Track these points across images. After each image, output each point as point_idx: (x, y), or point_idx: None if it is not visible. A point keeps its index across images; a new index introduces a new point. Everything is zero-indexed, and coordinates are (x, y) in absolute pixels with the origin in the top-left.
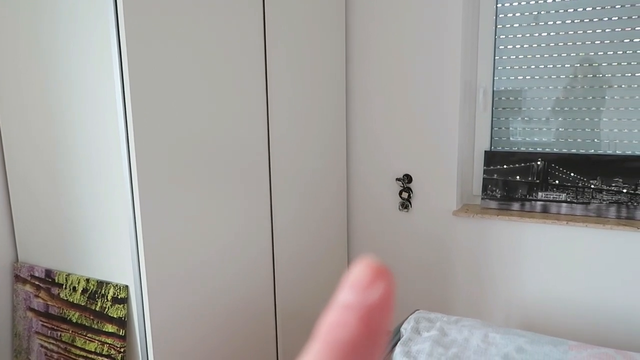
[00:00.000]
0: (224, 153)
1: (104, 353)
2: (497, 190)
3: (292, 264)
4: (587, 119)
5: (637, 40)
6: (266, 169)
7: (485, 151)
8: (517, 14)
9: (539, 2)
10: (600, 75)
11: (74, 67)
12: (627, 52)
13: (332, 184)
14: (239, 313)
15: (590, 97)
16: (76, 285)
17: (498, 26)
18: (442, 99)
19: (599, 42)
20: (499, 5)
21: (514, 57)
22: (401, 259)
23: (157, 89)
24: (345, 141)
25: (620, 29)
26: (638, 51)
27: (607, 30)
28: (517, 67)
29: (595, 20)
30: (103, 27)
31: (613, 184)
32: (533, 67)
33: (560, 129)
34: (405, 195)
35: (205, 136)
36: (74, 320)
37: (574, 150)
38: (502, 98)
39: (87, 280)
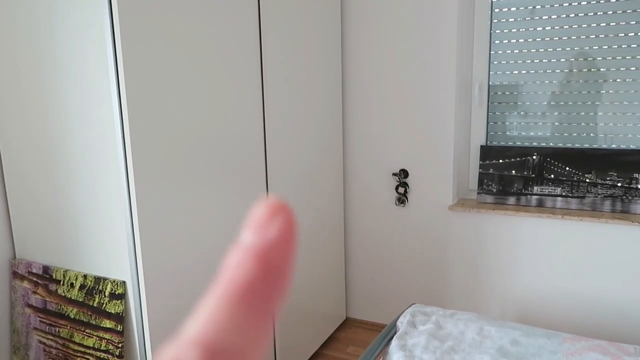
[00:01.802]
0: (220, 149)
1: (102, 348)
2: (493, 185)
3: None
4: (582, 113)
5: (632, 34)
6: (263, 165)
7: (481, 146)
8: (513, 9)
9: None
10: (596, 70)
11: (70, 65)
12: (623, 46)
13: (328, 179)
14: None
15: (586, 92)
16: (74, 282)
17: (493, 21)
18: (438, 94)
19: (594, 36)
20: (494, 0)
21: (510, 51)
22: (398, 254)
23: (153, 86)
24: (341, 137)
25: (615, 23)
26: (633, 45)
27: (602, 24)
28: (513, 61)
29: (590, 14)
30: (98, 25)
31: (608, 178)
32: (529, 61)
33: (556, 124)
34: (401, 190)
35: (201, 132)
36: (72, 316)
37: (569, 145)
38: (498, 93)
39: (85, 277)
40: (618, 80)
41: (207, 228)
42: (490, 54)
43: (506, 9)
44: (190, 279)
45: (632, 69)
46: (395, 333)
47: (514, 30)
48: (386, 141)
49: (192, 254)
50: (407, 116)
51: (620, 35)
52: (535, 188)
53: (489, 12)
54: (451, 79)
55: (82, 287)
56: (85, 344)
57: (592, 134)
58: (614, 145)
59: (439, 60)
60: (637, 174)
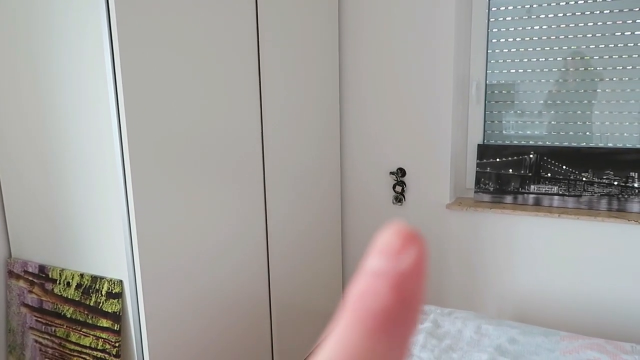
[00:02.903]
0: (217, 148)
1: (98, 348)
2: (490, 184)
3: (286, 259)
4: (578, 112)
5: (628, 33)
6: (260, 164)
7: (478, 144)
8: (510, 8)
9: None
10: (592, 69)
11: (67, 64)
12: (618, 45)
13: (325, 178)
14: (233, 307)
15: (582, 91)
16: (70, 281)
17: (491, 20)
18: (435, 93)
19: (590, 35)
20: None
21: (507, 50)
22: None
23: (150, 85)
24: (338, 135)
25: (611, 22)
26: (629, 44)
27: (598, 23)
28: (510, 60)
29: (587, 13)
30: (95, 24)
31: (604, 177)
32: (525, 60)
33: (552, 122)
34: (399, 189)
35: (198, 131)
36: (68, 316)
37: (565, 143)
38: (495, 92)
39: (81, 276)
40: (613, 79)
41: (204, 227)
42: (487, 53)
43: (503, 8)
44: (188, 278)
45: (628, 67)
46: None
47: (511, 29)
48: (383, 140)
49: (189, 252)
50: (404, 115)
51: (615, 34)
52: (532, 187)
53: (486, 11)
54: (448, 78)
55: (78, 286)
56: (81, 343)
57: (587, 133)
58: (610, 144)
59: (436, 59)
60: (633, 173)
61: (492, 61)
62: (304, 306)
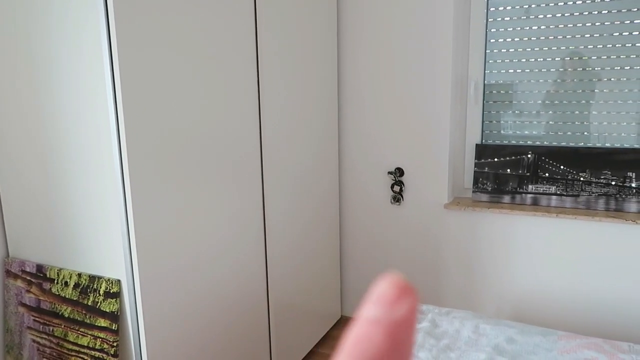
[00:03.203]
0: (216, 147)
1: (96, 347)
2: (488, 183)
3: (284, 258)
4: (576, 112)
5: (626, 33)
6: (258, 164)
7: (477, 144)
8: (508, 8)
9: None
10: (590, 69)
11: (65, 62)
12: (616, 45)
13: (324, 177)
14: (232, 307)
15: (580, 91)
16: (68, 280)
17: (489, 20)
18: (434, 93)
19: (588, 35)
20: None
21: (505, 50)
22: (393, 252)
23: (149, 85)
24: (337, 135)
25: (609, 23)
26: (626, 45)
27: (596, 23)
28: (508, 60)
29: (585, 13)
30: (94, 24)
31: (602, 177)
32: (524, 60)
33: (550, 122)
34: (397, 188)
35: (197, 131)
36: (66, 315)
37: (563, 143)
38: (493, 92)
39: (79, 275)
40: (611, 79)
41: (202, 227)
42: (485, 53)
43: (502, 8)
44: (186, 278)
45: (626, 68)
46: None
47: (509, 29)
48: (382, 139)
49: (187, 252)
50: (402, 114)
51: (613, 34)
52: (530, 187)
53: (485, 11)
54: (447, 78)
55: (76, 285)
56: (79, 343)
57: (585, 133)
58: (607, 144)
59: (435, 58)
60: (630, 173)
61: (490, 61)
62: (302, 306)
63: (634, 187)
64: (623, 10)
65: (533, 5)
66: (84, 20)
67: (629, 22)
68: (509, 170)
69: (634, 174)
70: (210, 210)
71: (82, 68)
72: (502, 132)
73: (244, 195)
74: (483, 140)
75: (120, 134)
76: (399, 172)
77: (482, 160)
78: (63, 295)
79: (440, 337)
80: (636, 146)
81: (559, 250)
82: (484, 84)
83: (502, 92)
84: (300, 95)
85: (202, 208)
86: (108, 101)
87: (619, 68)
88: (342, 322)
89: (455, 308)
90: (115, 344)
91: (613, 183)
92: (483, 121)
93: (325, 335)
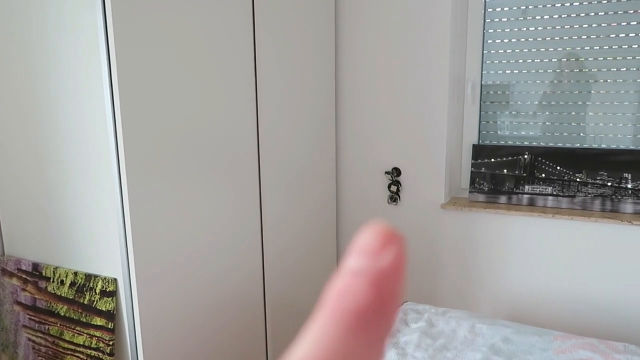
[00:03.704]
0: (213, 146)
1: (92, 346)
2: (485, 184)
3: (281, 257)
4: (573, 113)
5: (622, 35)
6: (255, 162)
7: (474, 145)
8: (506, 8)
9: None
10: (586, 70)
11: (62, 60)
12: (613, 47)
13: (321, 177)
14: (228, 306)
15: (577, 92)
16: (64, 279)
17: (487, 20)
18: (431, 93)
19: (585, 37)
20: None
21: (502, 51)
22: None
23: (146, 83)
24: (334, 135)
25: (606, 24)
26: (623, 46)
27: (593, 25)
28: (505, 61)
29: (582, 15)
30: (91, 23)
31: (598, 178)
32: (521, 61)
33: (547, 123)
34: (394, 188)
35: (193, 129)
36: (62, 314)
37: (560, 144)
38: (490, 92)
39: (75, 274)
40: (608, 80)
41: (199, 225)
42: (483, 53)
43: (499, 9)
44: (183, 276)
45: (622, 69)
46: None
47: (507, 30)
48: (379, 139)
49: (184, 251)
50: (399, 114)
51: (610, 36)
52: (527, 187)
53: (482, 11)
54: (444, 78)
55: (72, 284)
56: (75, 341)
57: (582, 134)
58: (603, 145)
59: (432, 59)
60: (626, 174)
61: (487, 62)
62: (298, 306)
63: (629, 188)
64: (619, 12)
65: (530, 7)
66: (81, 20)
67: (625, 23)
68: (505, 170)
69: (629, 175)
70: (207, 209)
71: (79, 67)
72: (499, 132)
73: (240, 194)
74: (480, 141)
75: (117, 132)
76: (396, 172)
77: (479, 161)
78: (59, 293)
79: (436, 337)
80: (632, 147)
81: (555, 250)
82: (481, 84)
83: (499, 92)
84: (298, 94)
85: (199, 207)
86: (105, 100)
87: (615, 69)
88: None
89: (452, 308)
90: (111, 343)
91: (609, 184)
92: (480, 121)
93: None
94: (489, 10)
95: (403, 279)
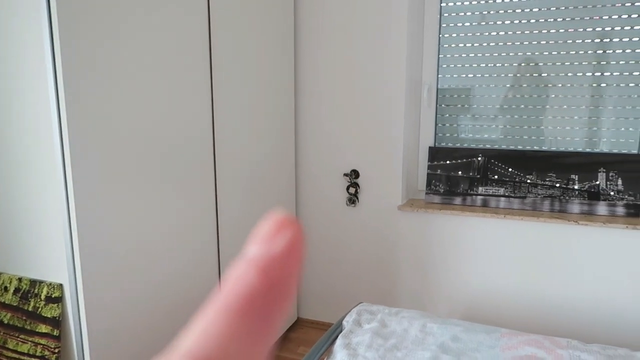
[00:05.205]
0: (165, 149)
1: (37, 354)
2: (441, 185)
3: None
4: (530, 116)
5: (579, 41)
6: (211, 164)
7: (430, 147)
8: (461, 14)
9: (482, 2)
10: (545, 75)
11: (6, 62)
12: (570, 52)
13: (280, 179)
14: (181, 310)
15: (535, 96)
16: (7, 285)
17: (442, 25)
18: (389, 96)
19: (542, 42)
20: (442, 4)
21: (458, 55)
22: (348, 253)
23: (92, 83)
24: (293, 137)
25: (563, 30)
26: (580, 52)
27: (552, 30)
28: (461, 65)
29: (542, 20)
30: (37, 21)
31: (547, 179)
32: (480, 65)
33: (506, 126)
34: (352, 190)
35: (145, 132)
36: (6, 322)
37: (520, 147)
38: (447, 95)
39: (20, 280)
40: (567, 85)
41: (150, 228)
42: (439, 57)
43: (454, 14)
44: (132, 281)
45: (579, 74)
46: (341, 332)
47: (462, 35)
48: (338, 141)
49: (134, 254)
50: (358, 118)
51: (567, 42)
52: (480, 188)
53: (438, 16)
54: (401, 82)
55: (16, 290)
56: (19, 350)
57: (540, 137)
58: (553, 148)
59: (390, 63)
60: (574, 175)
61: (444, 65)
62: None
63: (576, 189)
64: (577, 19)
65: (489, 12)
66: (27, 19)
67: (582, 30)
68: (460, 172)
69: (577, 176)
70: (158, 212)
71: (23, 69)
72: (458, 135)
73: (195, 196)
74: (436, 143)
75: (62, 133)
76: (355, 174)
77: (435, 163)
78: (2, 300)
79: (388, 337)
80: (579, 149)
81: (506, 250)
82: (437, 88)
83: (456, 96)
84: (256, 96)
85: (150, 209)
86: (50, 101)
87: (572, 74)
88: (298, 325)
89: (409, 308)
90: (57, 351)
91: (557, 185)
92: (436, 124)
93: (282, 338)
94: (445, 15)
95: (298, 264)
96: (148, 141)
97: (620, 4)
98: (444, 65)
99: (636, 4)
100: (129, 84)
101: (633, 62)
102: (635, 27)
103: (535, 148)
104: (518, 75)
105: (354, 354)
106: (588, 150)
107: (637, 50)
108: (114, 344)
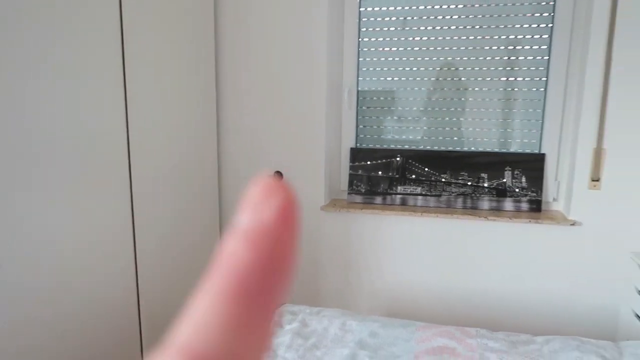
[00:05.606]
0: (73, 148)
1: None
2: (362, 185)
3: (157, 264)
4: (451, 118)
5: (495, 48)
6: (125, 165)
7: (351, 148)
8: (379, 19)
9: (402, 8)
10: (464, 79)
11: None
12: (487, 58)
13: (201, 180)
14: (95, 325)
15: (455, 99)
16: None
17: (362, 29)
18: (310, 98)
19: (460, 47)
20: (362, 9)
21: (380, 59)
22: None
23: None
24: (216, 138)
25: (481, 37)
26: (496, 58)
27: (470, 37)
28: (385, 68)
29: (460, 27)
30: None
31: (460, 178)
32: (405, 69)
33: (430, 128)
34: None
35: (51, 131)
36: None
37: (443, 148)
38: (369, 98)
39: None
40: (484, 89)
41: (58, 233)
42: (358, 60)
43: (373, 19)
44: (38, 288)
45: (495, 79)
46: None
47: (384, 39)
48: (261, 142)
49: (39, 261)
50: (281, 119)
51: (485, 48)
52: (399, 188)
53: (357, 21)
54: (322, 84)
55: None
56: None
57: (460, 138)
58: (472, 148)
59: (311, 64)
60: (483, 174)
61: (364, 69)
62: (177, 311)
63: (486, 187)
64: (492, 26)
65: (411, 18)
66: None
67: (497, 37)
68: (380, 172)
69: (486, 175)
70: (67, 216)
71: None
72: (381, 136)
73: (107, 199)
74: (358, 144)
75: None
76: (278, 174)
77: (356, 163)
78: None
79: (308, 337)
80: (488, 149)
81: (424, 247)
82: (358, 90)
83: (381, 98)
84: (174, 96)
85: (58, 214)
86: None
87: (489, 79)
88: None
89: (333, 307)
90: None
91: (469, 183)
92: (357, 126)
93: None
94: (364, 19)
95: (293, 233)
96: (54, 142)
97: (529, 14)
98: (364, 69)
99: (543, 14)
100: (32, 79)
101: (533, 68)
102: (544, 36)
103: (450, 148)
104: (439, 78)
105: (274, 355)
106: (497, 150)
107: (540, 58)
108: (18, 356)
